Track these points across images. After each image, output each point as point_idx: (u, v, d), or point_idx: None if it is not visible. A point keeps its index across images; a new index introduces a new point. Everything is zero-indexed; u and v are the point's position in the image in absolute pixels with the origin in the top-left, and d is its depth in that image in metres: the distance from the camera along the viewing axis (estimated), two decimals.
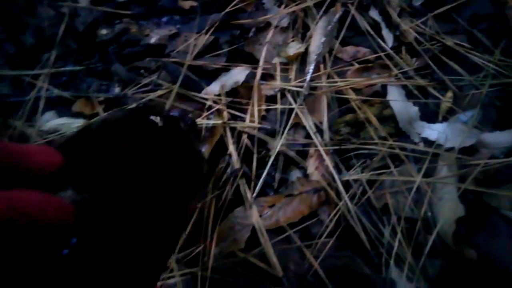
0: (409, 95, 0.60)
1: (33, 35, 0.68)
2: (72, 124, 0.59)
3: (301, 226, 0.52)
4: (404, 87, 0.61)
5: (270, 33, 0.65)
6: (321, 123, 0.59)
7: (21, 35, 0.68)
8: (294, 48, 0.63)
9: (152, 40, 0.65)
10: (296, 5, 0.67)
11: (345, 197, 0.52)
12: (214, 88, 0.62)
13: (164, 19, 0.69)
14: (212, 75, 0.64)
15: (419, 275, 0.46)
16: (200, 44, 0.63)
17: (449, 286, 0.47)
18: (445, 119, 0.59)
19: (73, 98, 0.62)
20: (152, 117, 0.29)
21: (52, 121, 0.60)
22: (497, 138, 0.56)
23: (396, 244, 0.48)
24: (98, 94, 0.62)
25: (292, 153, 0.57)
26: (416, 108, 0.59)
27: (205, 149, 0.58)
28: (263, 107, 0.60)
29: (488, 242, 0.49)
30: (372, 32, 0.64)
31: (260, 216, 0.52)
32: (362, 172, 0.54)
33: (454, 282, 0.47)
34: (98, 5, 0.66)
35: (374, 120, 0.57)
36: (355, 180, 0.53)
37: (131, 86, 0.62)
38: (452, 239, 0.47)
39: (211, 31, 0.65)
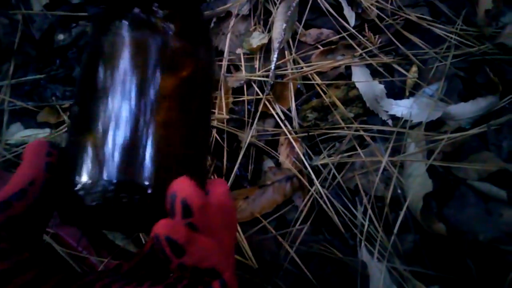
0: (374, 73, 0.60)
1: None
2: (38, 135, 0.58)
3: (276, 215, 0.53)
4: (369, 65, 0.60)
5: (231, 22, 0.64)
6: (289, 110, 0.59)
7: None
8: (257, 39, 0.62)
9: None
10: None
11: (316, 182, 0.53)
12: None
13: None
14: None
15: (392, 252, 0.48)
16: None
17: (422, 260, 0.48)
18: (411, 94, 0.59)
19: (36, 109, 0.61)
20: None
21: (18, 134, 0.59)
22: (463, 110, 0.56)
23: (367, 224, 0.49)
24: (62, 101, 0.61)
25: (262, 144, 0.57)
26: (381, 86, 0.59)
27: None
28: (231, 99, 0.60)
29: (457, 213, 0.50)
30: (333, 13, 0.64)
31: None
32: (330, 156, 0.54)
33: (427, 255, 0.48)
34: (52, 10, 0.64)
35: (339, 103, 0.57)
36: (325, 165, 0.54)
37: None
38: (420, 215, 0.48)
39: None
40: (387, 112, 0.58)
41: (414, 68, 0.60)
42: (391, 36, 0.62)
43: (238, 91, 0.61)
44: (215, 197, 0.25)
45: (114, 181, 0.23)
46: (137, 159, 0.24)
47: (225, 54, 0.62)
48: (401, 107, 0.58)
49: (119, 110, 0.24)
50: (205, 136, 0.29)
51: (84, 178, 0.24)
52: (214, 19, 0.66)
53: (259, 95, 0.59)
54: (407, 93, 0.60)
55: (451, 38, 0.60)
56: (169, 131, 0.25)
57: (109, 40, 0.26)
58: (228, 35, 0.64)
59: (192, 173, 0.25)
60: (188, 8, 0.29)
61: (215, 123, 0.58)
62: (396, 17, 0.63)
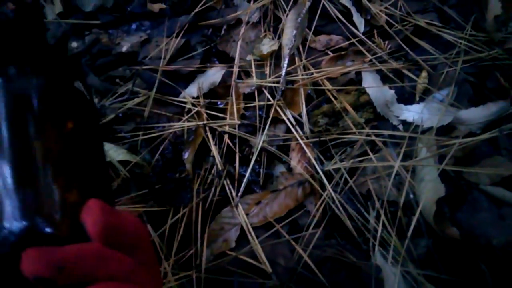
0: (384, 79, 0.61)
1: None
2: None
3: (288, 220, 0.53)
4: (379, 71, 0.61)
5: (242, 30, 0.65)
6: (300, 115, 0.59)
7: None
8: (267, 45, 0.63)
9: (124, 49, 0.65)
10: None
11: (329, 187, 0.53)
12: (191, 91, 0.62)
13: (133, 26, 0.68)
14: (189, 78, 0.64)
15: (406, 257, 0.48)
16: (172, 48, 0.63)
17: (436, 264, 0.48)
18: (421, 99, 0.60)
19: None
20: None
21: None
22: (474, 114, 0.56)
23: (380, 228, 0.49)
24: None
25: (274, 149, 0.57)
26: (392, 92, 0.59)
27: (189, 152, 0.59)
28: (242, 105, 0.60)
29: (470, 218, 0.50)
30: (343, 19, 0.64)
31: (248, 214, 0.53)
32: (342, 161, 0.55)
33: (440, 260, 0.48)
34: (65, 18, 0.65)
35: (350, 108, 0.57)
36: (337, 170, 0.54)
37: (108, 96, 0.62)
38: (433, 220, 0.48)
39: (181, 34, 0.64)
40: (397, 117, 0.58)
41: (424, 74, 0.61)
42: (400, 42, 0.62)
43: (249, 97, 0.61)
44: (89, 228, 0.23)
45: (19, 222, 0.23)
46: (37, 199, 0.24)
47: (236, 61, 0.63)
48: (411, 112, 0.58)
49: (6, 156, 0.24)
50: (97, 160, 0.29)
51: None
52: (225, 27, 0.67)
53: (270, 101, 0.60)
54: (417, 99, 0.60)
55: (461, 43, 0.61)
56: (61, 167, 0.25)
57: None
58: (239, 42, 0.65)
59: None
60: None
61: (226, 128, 0.59)
62: (405, 23, 0.64)
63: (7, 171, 0.24)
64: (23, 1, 0.30)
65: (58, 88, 0.28)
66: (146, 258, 0.25)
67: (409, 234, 0.48)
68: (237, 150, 0.58)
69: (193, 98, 0.61)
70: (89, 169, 0.27)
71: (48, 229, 0.23)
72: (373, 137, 0.54)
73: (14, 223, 0.23)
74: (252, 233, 0.50)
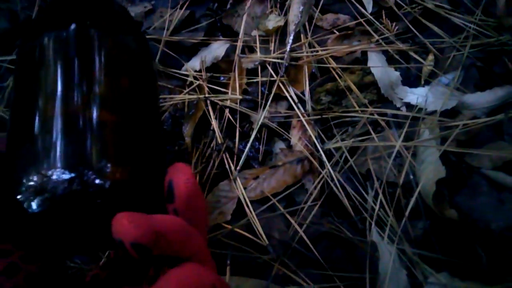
0: (390, 60, 0.60)
1: (7, 20, 0.66)
2: None
3: (285, 194, 0.53)
4: (385, 52, 0.60)
5: (248, 4, 0.64)
6: (303, 93, 0.58)
7: None
8: (273, 21, 0.62)
9: None
10: None
11: (328, 165, 0.52)
12: (194, 64, 0.61)
13: None
14: (192, 51, 0.63)
15: (401, 236, 0.47)
16: (176, 19, 0.62)
17: (432, 246, 0.48)
18: (427, 82, 0.59)
19: None
20: None
21: None
22: (479, 99, 0.56)
23: (377, 208, 0.49)
24: None
25: (275, 125, 0.57)
26: (397, 73, 0.58)
27: (189, 125, 0.58)
28: (244, 81, 0.60)
29: (469, 201, 0.50)
30: None
31: (245, 188, 0.53)
32: (343, 140, 0.54)
33: (437, 241, 0.48)
34: None
35: (354, 87, 0.57)
36: (337, 148, 0.54)
37: None
38: (432, 201, 0.48)
39: (186, 5, 0.63)
40: (401, 99, 0.58)
41: (430, 57, 0.60)
42: (408, 24, 0.61)
43: (252, 72, 0.60)
44: (180, 187, 0.23)
45: (66, 173, 0.20)
46: (87, 149, 0.22)
47: (240, 35, 0.62)
48: (416, 95, 0.57)
49: (61, 101, 0.23)
50: (154, 116, 0.28)
51: (28, 177, 0.20)
52: (231, 1, 0.66)
53: (273, 77, 0.59)
54: (423, 82, 0.59)
55: (470, 28, 0.60)
56: (115, 119, 0.24)
57: (43, 48, 0.25)
58: (244, 17, 0.64)
59: (147, 162, 0.23)
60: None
61: (228, 103, 0.58)
62: (414, 5, 0.63)
63: (57, 119, 0.22)
64: None
65: (120, 46, 0.27)
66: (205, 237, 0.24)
67: (406, 213, 0.47)
68: (237, 125, 0.57)
69: (195, 71, 0.61)
70: (145, 126, 0.26)
71: (98, 181, 0.21)
72: (376, 116, 0.54)
73: (61, 173, 0.20)
74: (250, 206, 0.50)
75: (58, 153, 0.21)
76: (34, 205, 0.20)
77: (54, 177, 0.20)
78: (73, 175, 0.20)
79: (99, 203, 0.21)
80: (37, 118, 0.22)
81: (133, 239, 0.19)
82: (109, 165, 0.22)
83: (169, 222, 0.21)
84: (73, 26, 0.26)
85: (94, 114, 0.23)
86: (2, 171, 0.22)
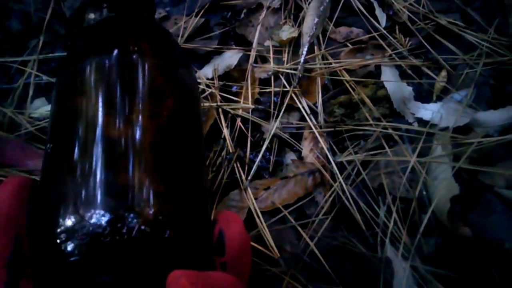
0: (403, 75, 0.60)
1: (19, 21, 0.66)
2: None
3: (296, 206, 0.52)
4: (398, 67, 0.60)
5: (262, 15, 0.64)
6: (315, 105, 0.58)
7: (6, 21, 0.67)
8: (287, 32, 0.62)
9: None
10: None
11: (340, 178, 0.52)
12: (206, 72, 0.61)
13: None
14: (205, 59, 0.63)
15: (414, 254, 0.47)
16: (190, 27, 0.62)
17: (445, 263, 0.47)
18: (439, 98, 0.59)
19: None
20: None
21: (42, 108, 0.59)
22: (491, 117, 0.55)
23: (391, 224, 0.48)
24: None
25: (286, 136, 0.56)
26: (410, 88, 0.58)
27: None
28: (257, 90, 0.59)
29: (482, 220, 0.49)
30: (365, 12, 0.64)
31: (256, 198, 0.52)
32: (356, 154, 0.54)
33: (450, 259, 0.47)
34: None
35: (368, 101, 0.56)
36: (350, 161, 0.53)
37: None
38: (447, 218, 0.47)
39: (201, 13, 0.63)
40: (413, 114, 0.57)
41: (443, 73, 0.60)
42: (422, 40, 0.61)
43: (264, 82, 0.60)
44: (233, 241, 0.22)
45: (107, 214, 0.19)
46: (129, 190, 0.20)
47: (254, 45, 0.62)
48: (428, 111, 0.57)
49: (103, 143, 0.21)
50: (199, 158, 0.26)
51: (68, 219, 0.19)
52: (245, 11, 0.66)
53: (286, 87, 0.59)
54: (435, 97, 0.59)
55: (483, 45, 0.60)
56: (160, 156, 0.22)
57: (86, 76, 0.24)
58: (258, 27, 0.64)
59: (195, 207, 0.22)
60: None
61: (239, 112, 0.58)
62: (427, 21, 0.63)
63: (96, 154, 0.20)
64: None
65: (165, 72, 0.26)
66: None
67: (421, 229, 0.47)
68: (249, 135, 0.57)
69: (208, 79, 0.60)
70: (192, 167, 0.24)
71: (141, 226, 0.19)
72: (390, 131, 0.53)
73: (98, 215, 0.19)
74: (261, 217, 0.49)
75: (98, 193, 0.20)
76: (72, 249, 0.18)
77: (94, 220, 0.19)
78: (113, 216, 0.19)
79: (143, 252, 0.19)
80: (76, 151, 0.21)
81: None
82: (153, 209, 0.20)
83: (226, 283, 0.20)
84: (135, 55, 0.25)
85: (139, 153, 0.21)
86: (38, 206, 0.20)
